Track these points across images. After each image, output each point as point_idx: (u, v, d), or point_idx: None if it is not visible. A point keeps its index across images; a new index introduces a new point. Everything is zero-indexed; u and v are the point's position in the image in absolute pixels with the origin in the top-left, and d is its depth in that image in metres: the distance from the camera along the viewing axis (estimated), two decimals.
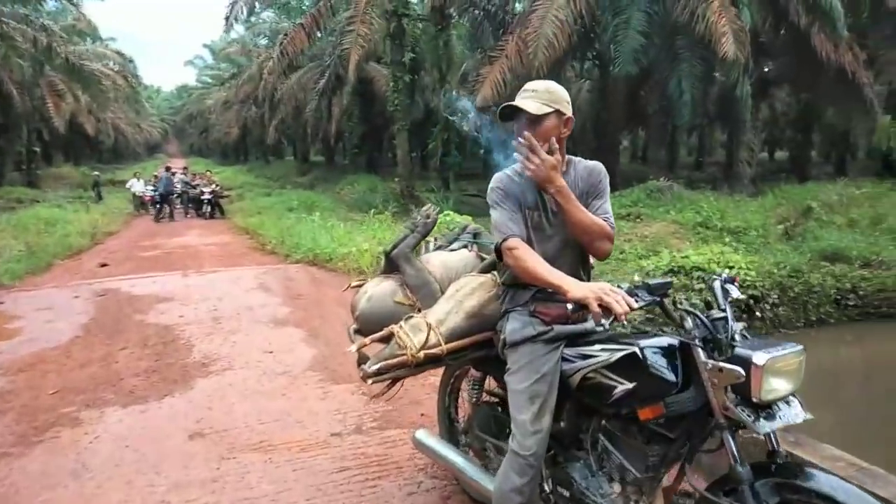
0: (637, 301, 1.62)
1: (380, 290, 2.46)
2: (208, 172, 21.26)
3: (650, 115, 16.45)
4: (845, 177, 17.42)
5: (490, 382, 2.53)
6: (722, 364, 1.56)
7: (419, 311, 2.32)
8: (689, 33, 13.13)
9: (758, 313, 8.84)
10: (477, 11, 18.05)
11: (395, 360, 2.12)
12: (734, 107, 15.89)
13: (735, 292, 1.77)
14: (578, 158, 2.17)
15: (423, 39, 18.45)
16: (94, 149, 38.67)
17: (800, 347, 1.58)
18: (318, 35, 19.35)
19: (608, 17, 14.00)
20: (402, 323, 2.22)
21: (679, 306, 1.74)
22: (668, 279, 1.77)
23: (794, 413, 1.57)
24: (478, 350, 2.24)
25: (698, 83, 14.02)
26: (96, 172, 24.89)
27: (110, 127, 37.65)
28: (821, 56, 14.30)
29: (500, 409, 2.52)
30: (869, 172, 18.57)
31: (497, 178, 2.09)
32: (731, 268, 8.05)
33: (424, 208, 2.69)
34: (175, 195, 17.99)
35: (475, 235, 2.69)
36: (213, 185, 18.07)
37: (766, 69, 19.21)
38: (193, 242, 12.19)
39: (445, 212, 9.28)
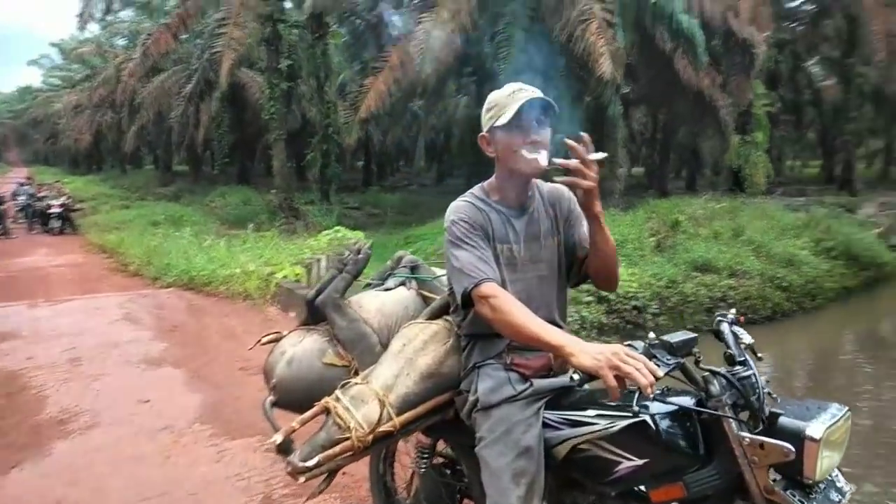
0: (660, 367, 1.33)
1: (303, 348, 1.96)
2: (58, 183, 19.00)
3: None
4: (695, 192, 18.91)
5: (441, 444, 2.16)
6: (764, 439, 1.30)
7: (356, 373, 1.89)
8: (566, 53, 13.57)
9: (640, 322, 9.23)
10: (358, 21, 17.70)
11: (338, 449, 1.66)
12: (605, 125, 16.77)
13: (747, 337, 1.52)
14: (537, 181, 1.85)
15: (301, 47, 17.78)
16: None
17: (846, 409, 1.36)
18: (185, 37, 18.09)
19: (493, 33, 14.18)
20: (338, 393, 1.76)
21: (702, 366, 1.47)
22: (692, 334, 1.49)
23: (840, 488, 1.35)
24: (432, 416, 1.86)
25: (574, 102, 14.57)
26: None
27: None
28: (682, 79, 15.40)
29: (450, 472, 2.17)
30: (715, 188, 20.30)
31: (457, 209, 1.73)
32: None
33: (353, 241, 2.25)
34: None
35: (413, 269, 2.22)
36: (64, 197, 16.13)
37: (626, 90, 20.44)
38: (41, 263, 10.67)
39: (335, 228, 8.80)
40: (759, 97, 17.58)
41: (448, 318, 1.92)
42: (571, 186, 1.64)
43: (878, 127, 27.82)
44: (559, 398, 1.72)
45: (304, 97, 20.46)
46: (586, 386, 1.88)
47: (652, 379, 1.26)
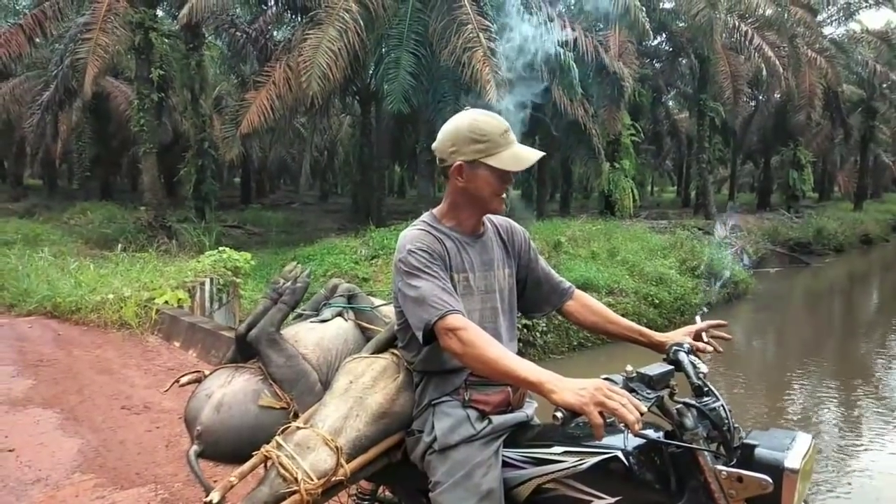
0: (642, 402, 1.30)
1: (233, 390, 1.74)
2: None
3: (418, 153, 17.09)
4: (569, 214, 20.00)
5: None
6: (742, 472, 1.30)
7: (296, 415, 1.74)
8: (454, 78, 13.89)
9: (531, 340, 9.51)
10: (238, 34, 17.08)
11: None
12: None
13: (703, 366, 1.53)
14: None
15: (175, 57, 16.85)
16: None
17: (812, 437, 1.40)
18: (40, 41, 16.55)
19: (381, 54, 14.22)
20: (278, 440, 1.59)
21: (676, 398, 1.48)
22: (669, 367, 1.48)
23: None
24: (381, 460, 1.72)
25: None
26: None
27: None
28: (559, 108, 16.26)
29: None
30: (586, 210, 21.58)
31: (413, 238, 1.64)
32: None
33: (287, 267, 2.02)
34: None
35: (349, 298, 2.07)
36: None
37: None
38: None
39: (220, 248, 8.31)
40: (626, 127, 18.93)
41: (395, 351, 1.82)
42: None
43: (725, 157, 30.94)
44: (515, 435, 1.67)
45: (177, 109, 19.43)
46: (537, 420, 1.87)
47: (637, 415, 1.24)
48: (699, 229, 17.38)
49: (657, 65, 24.83)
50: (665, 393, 1.45)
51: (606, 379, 1.34)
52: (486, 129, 1.61)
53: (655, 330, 1.80)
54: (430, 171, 16.56)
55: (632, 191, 18.91)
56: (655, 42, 23.13)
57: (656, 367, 1.45)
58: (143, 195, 17.09)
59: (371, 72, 17.60)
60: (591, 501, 1.46)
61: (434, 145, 1.71)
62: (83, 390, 4.58)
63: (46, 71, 18.59)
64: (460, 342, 1.46)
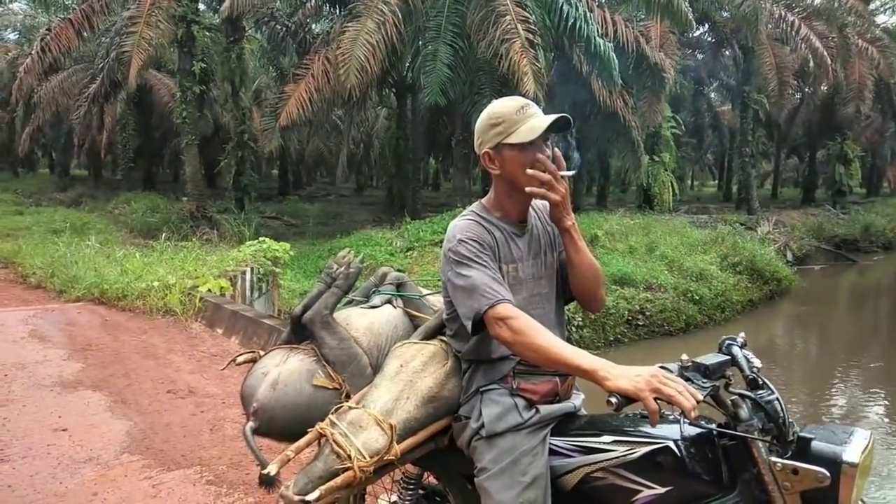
0: (698, 390, 1.28)
1: (288, 369, 1.77)
2: None
3: (454, 146, 17.06)
4: (606, 208, 19.70)
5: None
6: (797, 464, 1.27)
7: (348, 396, 1.76)
8: (491, 70, 13.81)
9: (566, 334, 9.42)
10: (278, 27, 17.28)
11: (340, 481, 1.50)
12: None
13: (756, 360, 1.50)
14: None
15: (215, 50, 17.16)
16: None
17: (869, 432, 1.35)
18: (87, 35, 17.01)
19: (418, 46, 14.21)
20: (332, 418, 1.62)
21: (731, 389, 1.44)
22: (725, 357, 1.46)
23: None
24: (428, 444, 1.73)
25: None
26: None
27: None
28: (598, 100, 16.04)
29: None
30: (623, 205, 21.24)
31: (463, 228, 1.64)
32: None
33: (341, 254, 2.04)
34: None
35: (398, 286, 2.09)
36: None
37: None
38: None
39: (260, 238, 8.44)
40: (666, 119, 18.58)
41: (443, 338, 1.82)
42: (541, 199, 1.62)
43: (768, 151, 30.13)
44: (562, 425, 1.66)
45: (217, 102, 19.77)
46: (584, 411, 1.86)
47: (694, 402, 1.23)
48: (741, 224, 16.99)
49: (699, 56, 24.31)
50: (721, 383, 1.42)
51: (662, 367, 1.32)
52: (501, 111, 1.62)
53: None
54: (465, 164, 16.50)
55: (671, 184, 18.58)
56: (698, 32, 22.64)
57: (712, 357, 1.43)
58: (185, 186, 17.49)
59: (408, 64, 17.62)
60: (641, 491, 1.44)
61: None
62: (130, 374, 4.70)
63: (93, 64, 19.12)
64: (511, 331, 1.46)
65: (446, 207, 17.76)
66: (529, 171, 1.57)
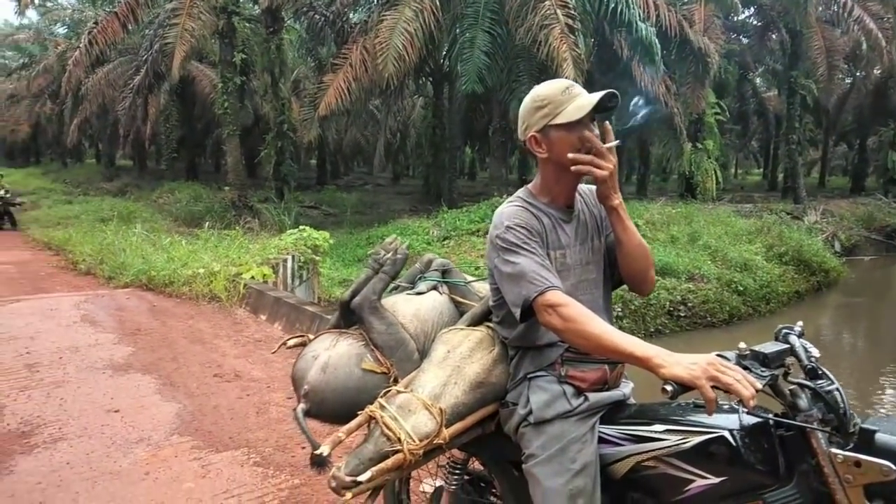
0: (757, 379, 1.25)
1: (338, 353, 1.79)
2: None
3: (491, 134, 17.00)
4: (646, 197, 19.33)
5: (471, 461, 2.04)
6: (860, 457, 1.23)
7: (395, 381, 1.77)
8: (529, 57, 13.65)
9: None
10: (316, 17, 17.39)
11: (390, 463, 1.52)
12: None
13: (815, 350, 1.45)
14: None
15: (255, 41, 17.37)
16: None
17: None
18: (132, 27, 17.41)
19: (455, 34, 14.13)
20: (382, 401, 1.63)
21: (790, 378, 1.41)
22: (784, 345, 1.42)
23: None
24: (476, 429, 1.74)
25: None
26: None
27: None
28: (639, 86, 15.72)
29: (484, 490, 2.07)
30: (664, 193, 20.82)
31: (511, 214, 1.62)
32: None
33: (388, 240, 2.06)
34: None
35: (444, 273, 2.10)
36: (2, 191, 15.21)
37: None
38: None
39: (300, 227, 8.55)
40: (710, 106, 18.11)
41: (489, 325, 1.82)
42: (587, 175, 1.59)
43: (816, 138, 29.14)
44: (611, 413, 1.64)
45: (257, 93, 20.05)
46: (633, 399, 1.83)
47: (753, 391, 1.20)
48: (787, 214, 16.50)
49: (745, 40, 23.57)
50: (780, 372, 1.38)
51: (719, 355, 1.29)
52: (545, 94, 1.60)
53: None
54: (503, 152, 16.41)
55: (715, 172, 18.12)
56: (743, 16, 21.98)
57: (770, 346, 1.39)
58: (227, 176, 17.81)
59: (444, 52, 17.55)
60: (694, 481, 1.41)
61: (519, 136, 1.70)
62: (178, 358, 4.84)
63: (137, 56, 19.56)
64: (561, 318, 1.45)
65: (482, 197, 17.69)
66: (570, 155, 1.55)
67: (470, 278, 2.12)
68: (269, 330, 5.72)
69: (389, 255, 1.98)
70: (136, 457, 3.23)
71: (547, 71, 13.02)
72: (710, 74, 15.93)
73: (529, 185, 1.75)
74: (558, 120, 1.58)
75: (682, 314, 10.04)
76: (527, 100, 1.65)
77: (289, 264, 7.52)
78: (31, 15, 27.52)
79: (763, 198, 21.43)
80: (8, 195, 15.34)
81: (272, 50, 16.67)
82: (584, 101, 1.57)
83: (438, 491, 2.14)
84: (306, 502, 2.79)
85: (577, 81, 9.56)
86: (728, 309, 10.08)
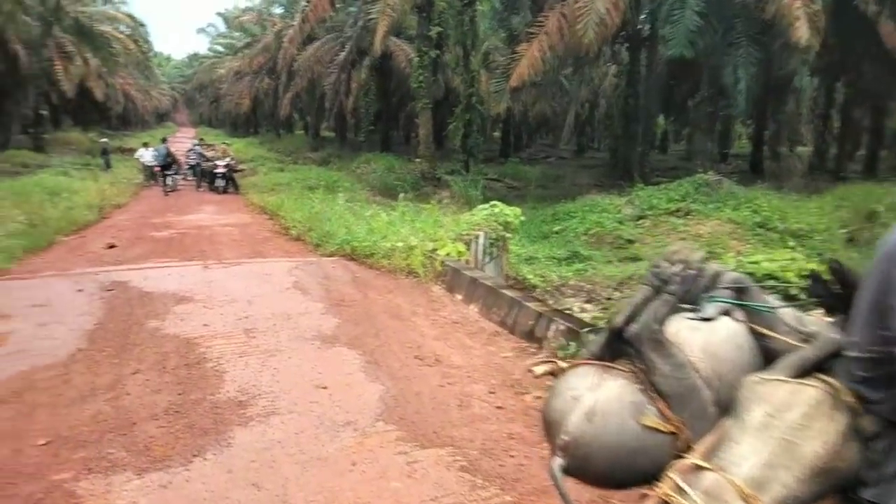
0: None
1: (607, 398, 1.40)
2: (224, 144, 20.13)
3: (695, 104, 15.44)
4: (875, 176, 16.34)
5: None
6: None
7: (689, 446, 1.33)
8: (750, 17, 12.08)
9: None
10: None
11: None
12: (787, 98, 14.82)
13: None
14: None
15: (450, 14, 17.40)
16: (103, 114, 37.36)
17: None
18: (339, 5, 18.35)
19: None
20: (677, 479, 1.22)
21: None
22: None
23: None
24: None
25: (755, 71, 12.97)
26: (105, 139, 23.47)
27: (119, 93, 36.64)
28: (885, 47, 13.28)
29: None
30: None
31: None
32: (805, 276, 7.20)
33: (674, 248, 1.58)
34: (174, 167, 17.05)
35: (738, 291, 1.55)
36: (228, 158, 17.04)
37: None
38: (208, 222, 11.18)
39: (491, 202, 8.29)
40: None
41: (823, 377, 1.30)
42: None
43: None
44: None
45: (449, 66, 20.23)
46: None
47: None
48: None
49: None
50: None
51: None
52: None
53: None
54: (711, 123, 14.87)
55: None
56: None
57: None
58: (418, 148, 18.28)
59: (644, 15, 16.23)
60: None
61: None
62: (380, 334, 4.81)
63: (342, 34, 20.65)
64: None
65: (678, 171, 16.22)
66: None
67: (775, 302, 1.59)
68: (464, 311, 5.54)
69: (677, 269, 1.51)
70: (343, 442, 3.15)
71: (771, 32, 11.43)
72: None
73: None
74: None
75: None
76: None
77: (480, 241, 7.32)
78: None
79: None
80: (233, 162, 17.14)
81: (465, 22, 16.60)
82: None
83: None
84: None
85: (811, 44, 8.11)
86: None
